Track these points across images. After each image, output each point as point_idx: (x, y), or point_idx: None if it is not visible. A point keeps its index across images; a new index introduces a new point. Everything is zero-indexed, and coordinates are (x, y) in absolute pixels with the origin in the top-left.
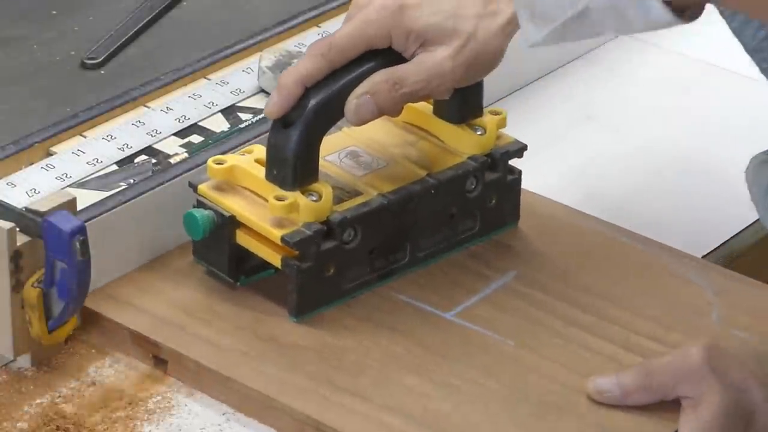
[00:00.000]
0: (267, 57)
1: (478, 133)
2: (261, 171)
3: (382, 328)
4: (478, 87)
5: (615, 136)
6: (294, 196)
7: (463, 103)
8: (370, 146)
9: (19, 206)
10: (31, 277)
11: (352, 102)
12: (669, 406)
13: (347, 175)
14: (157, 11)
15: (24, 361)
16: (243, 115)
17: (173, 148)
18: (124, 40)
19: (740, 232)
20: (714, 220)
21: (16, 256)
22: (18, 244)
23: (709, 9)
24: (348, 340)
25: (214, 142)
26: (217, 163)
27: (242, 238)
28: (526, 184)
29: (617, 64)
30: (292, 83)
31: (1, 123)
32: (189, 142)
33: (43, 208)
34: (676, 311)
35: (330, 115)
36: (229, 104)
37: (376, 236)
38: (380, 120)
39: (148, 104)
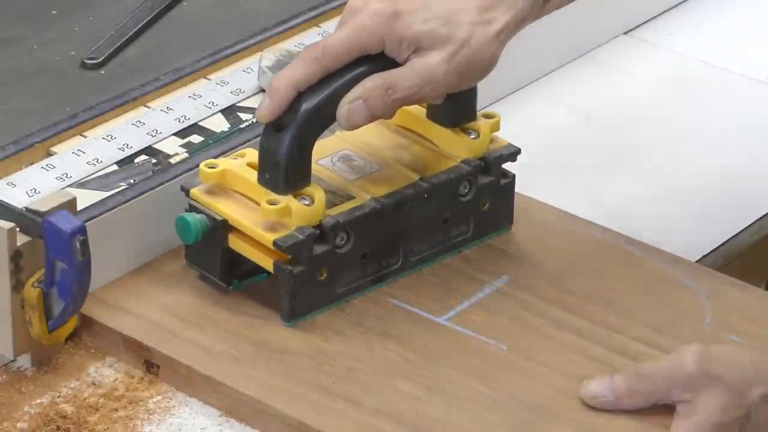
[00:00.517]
0: (267, 57)
1: (472, 137)
2: (253, 175)
3: (374, 333)
4: (471, 91)
5: (615, 136)
6: (286, 200)
7: (456, 107)
8: (363, 150)
9: (20, 206)
10: (31, 277)
11: (344, 107)
12: (663, 412)
13: (340, 179)
14: (157, 11)
15: (24, 361)
16: (243, 115)
17: (173, 148)
18: (124, 40)
19: (739, 232)
20: (713, 221)
21: (16, 256)
22: (18, 244)
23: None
24: (340, 345)
25: (215, 142)
26: (209, 167)
27: (234, 243)
28: (525, 183)
29: (617, 64)
30: (284, 87)
31: (1, 123)
32: (189, 142)
33: (43, 208)
34: (669, 315)
35: (322, 119)
36: (229, 104)
37: (368, 240)
38: (373, 124)
39: (148, 104)
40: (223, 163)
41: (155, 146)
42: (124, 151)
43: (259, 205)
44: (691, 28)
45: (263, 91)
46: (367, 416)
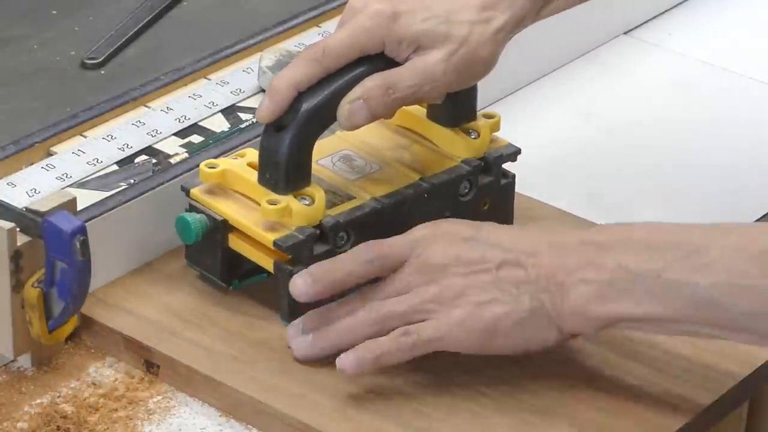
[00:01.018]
0: (267, 57)
1: (472, 136)
2: (253, 175)
3: None
4: (471, 91)
5: (615, 136)
6: (286, 200)
7: (456, 106)
8: (363, 150)
9: (20, 206)
10: (31, 277)
11: (344, 107)
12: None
13: (340, 179)
14: (157, 11)
15: (24, 361)
16: (243, 115)
17: (173, 148)
18: (124, 40)
19: None
20: (713, 221)
21: (16, 256)
22: (18, 244)
23: (710, 9)
24: None
25: (215, 142)
26: (209, 167)
27: (235, 243)
28: (525, 184)
29: (617, 64)
30: (284, 87)
31: (1, 123)
32: (189, 142)
33: (43, 208)
34: None
35: (323, 119)
36: (229, 104)
37: (369, 240)
38: (374, 124)
39: (149, 104)
40: (224, 163)
41: (155, 146)
42: (124, 151)
43: (259, 205)
44: (691, 28)
45: (263, 91)
46: (369, 417)
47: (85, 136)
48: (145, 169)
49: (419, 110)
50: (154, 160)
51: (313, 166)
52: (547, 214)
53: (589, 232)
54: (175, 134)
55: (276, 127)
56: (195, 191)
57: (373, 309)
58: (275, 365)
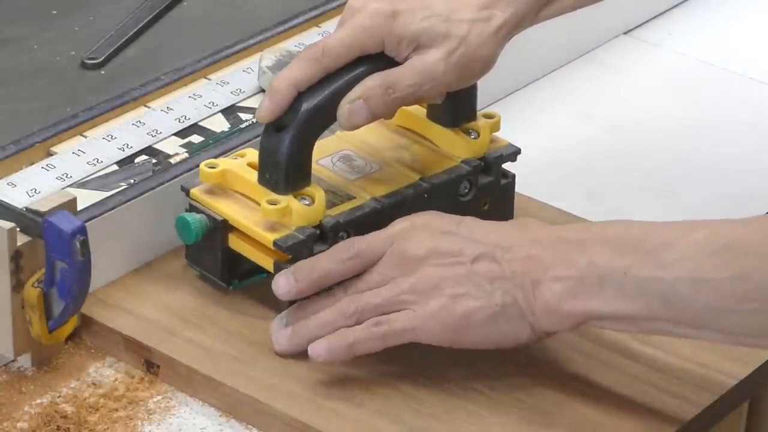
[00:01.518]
0: (267, 57)
1: (472, 136)
2: (253, 175)
3: None
4: (471, 91)
5: (615, 136)
6: (286, 200)
7: (456, 106)
8: (363, 150)
9: (20, 206)
10: (31, 277)
11: (344, 107)
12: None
13: (340, 179)
14: (157, 11)
15: (24, 361)
16: (243, 115)
17: (173, 148)
18: (124, 40)
19: None
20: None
21: (16, 256)
22: (18, 244)
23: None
24: None
25: (215, 142)
26: (209, 167)
27: (235, 242)
28: (525, 183)
29: (617, 64)
30: (284, 87)
31: (1, 123)
32: (189, 142)
33: (43, 208)
34: None
35: (323, 119)
36: (229, 104)
37: None
38: (374, 124)
39: (149, 104)
40: (224, 163)
41: (155, 146)
42: (124, 151)
43: (259, 205)
44: (691, 28)
45: (263, 91)
46: (367, 416)
47: (85, 136)
48: (145, 169)
49: (419, 110)
50: (154, 160)
51: (313, 166)
52: (547, 214)
53: (566, 228)
54: (175, 134)
55: (276, 127)
56: (195, 191)
57: (351, 301)
58: (275, 365)
